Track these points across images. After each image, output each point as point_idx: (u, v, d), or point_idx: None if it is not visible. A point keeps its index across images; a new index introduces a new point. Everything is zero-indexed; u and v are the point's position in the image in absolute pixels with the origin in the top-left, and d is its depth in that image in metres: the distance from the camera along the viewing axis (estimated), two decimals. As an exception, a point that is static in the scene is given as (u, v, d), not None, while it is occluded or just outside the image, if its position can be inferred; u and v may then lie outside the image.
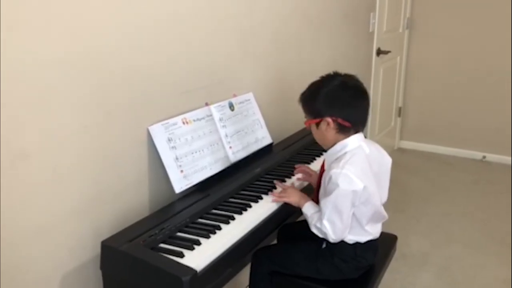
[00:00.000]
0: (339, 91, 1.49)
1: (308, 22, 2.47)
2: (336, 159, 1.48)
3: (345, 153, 1.48)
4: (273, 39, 2.18)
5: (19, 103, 1.15)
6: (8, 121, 1.13)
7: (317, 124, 1.52)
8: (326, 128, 1.50)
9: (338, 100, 1.49)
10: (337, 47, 2.87)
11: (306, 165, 1.85)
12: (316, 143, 1.62)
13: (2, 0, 1.07)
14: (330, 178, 1.44)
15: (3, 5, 1.07)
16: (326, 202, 1.45)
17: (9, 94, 1.12)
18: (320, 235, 1.51)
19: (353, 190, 1.42)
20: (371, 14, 3.29)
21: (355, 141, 1.50)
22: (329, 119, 1.48)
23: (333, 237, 1.47)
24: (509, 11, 3.55)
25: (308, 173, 1.77)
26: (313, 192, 1.68)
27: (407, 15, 3.91)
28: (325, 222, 1.46)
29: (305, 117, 1.57)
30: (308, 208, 1.54)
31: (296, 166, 1.81)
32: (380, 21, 3.42)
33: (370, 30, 3.32)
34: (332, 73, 1.55)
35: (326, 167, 1.55)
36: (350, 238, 1.54)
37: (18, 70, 1.13)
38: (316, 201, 1.57)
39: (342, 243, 1.54)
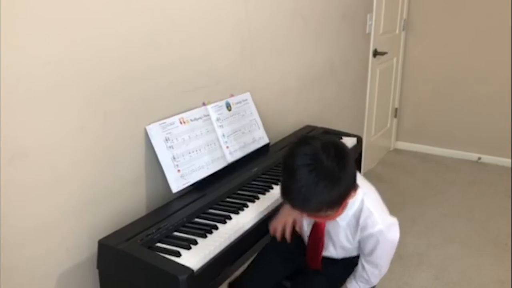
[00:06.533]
0: (348, 155, 1.23)
1: (305, 23, 2.48)
2: (359, 211, 1.34)
3: (362, 200, 1.34)
4: (270, 40, 2.19)
5: (17, 103, 1.15)
6: (6, 121, 1.13)
7: None
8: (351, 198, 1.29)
9: (351, 165, 1.24)
10: (334, 48, 2.88)
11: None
12: None
13: (3, 2, 1.07)
14: (373, 236, 1.34)
15: (3, 7, 1.07)
16: (381, 260, 1.40)
17: (7, 94, 1.12)
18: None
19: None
20: (368, 15, 3.30)
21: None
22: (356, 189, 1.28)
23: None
24: (508, 13, 3.56)
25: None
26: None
27: (404, 16, 3.93)
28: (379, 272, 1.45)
29: (324, 213, 1.26)
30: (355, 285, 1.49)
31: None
32: (377, 22, 3.43)
33: (367, 32, 3.33)
34: (314, 151, 1.19)
35: (339, 221, 1.40)
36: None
37: (17, 71, 1.13)
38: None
39: None
